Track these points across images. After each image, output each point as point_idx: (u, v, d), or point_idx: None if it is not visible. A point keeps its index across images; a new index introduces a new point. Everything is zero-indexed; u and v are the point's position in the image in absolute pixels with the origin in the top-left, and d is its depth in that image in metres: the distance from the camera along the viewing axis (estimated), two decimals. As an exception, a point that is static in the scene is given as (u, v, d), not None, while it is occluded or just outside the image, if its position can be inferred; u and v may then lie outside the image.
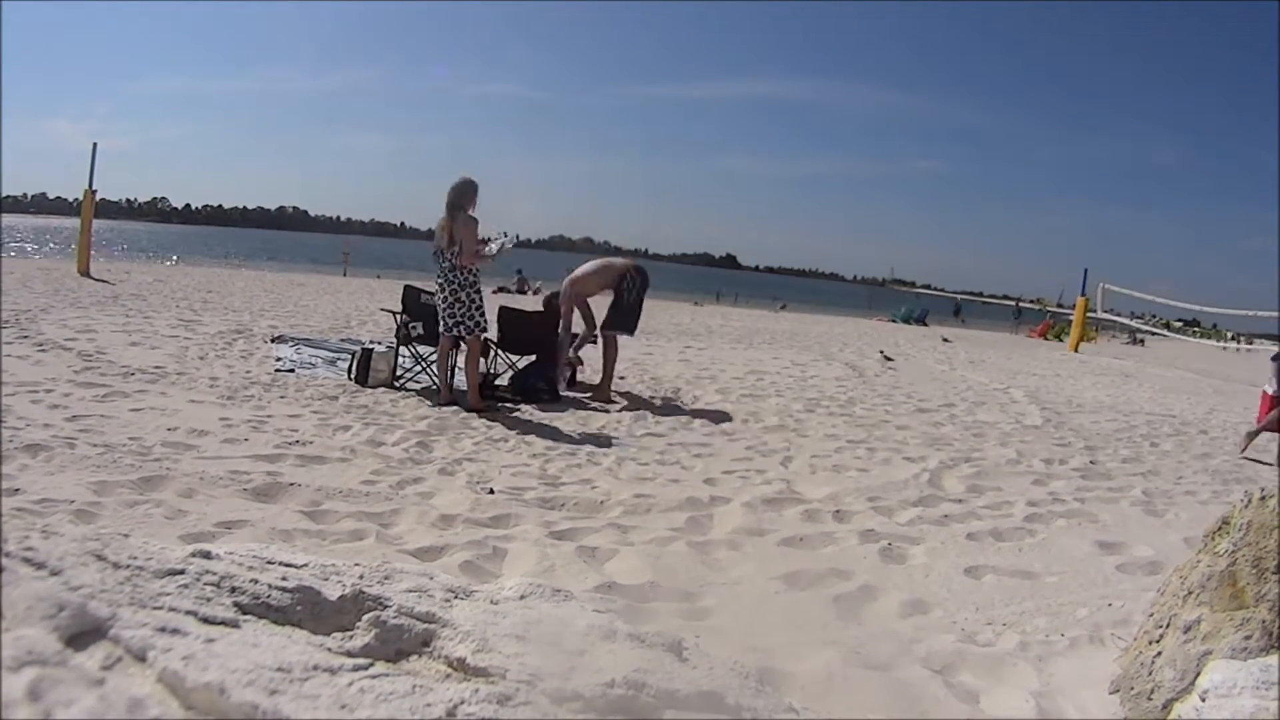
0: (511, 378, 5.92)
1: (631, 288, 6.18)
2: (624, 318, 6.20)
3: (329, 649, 1.12)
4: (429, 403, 5.26)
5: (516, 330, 6.13)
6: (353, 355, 5.92)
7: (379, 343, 6.50)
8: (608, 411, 5.50)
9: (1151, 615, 1.91)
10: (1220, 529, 1.84)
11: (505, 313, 6.24)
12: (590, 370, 6.66)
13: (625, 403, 5.87)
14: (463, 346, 5.46)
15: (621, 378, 7.02)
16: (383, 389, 5.56)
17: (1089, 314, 17.78)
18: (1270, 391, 6.15)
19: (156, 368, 5.62)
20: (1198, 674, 1.57)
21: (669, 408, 5.85)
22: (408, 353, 5.84)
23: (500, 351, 6.03)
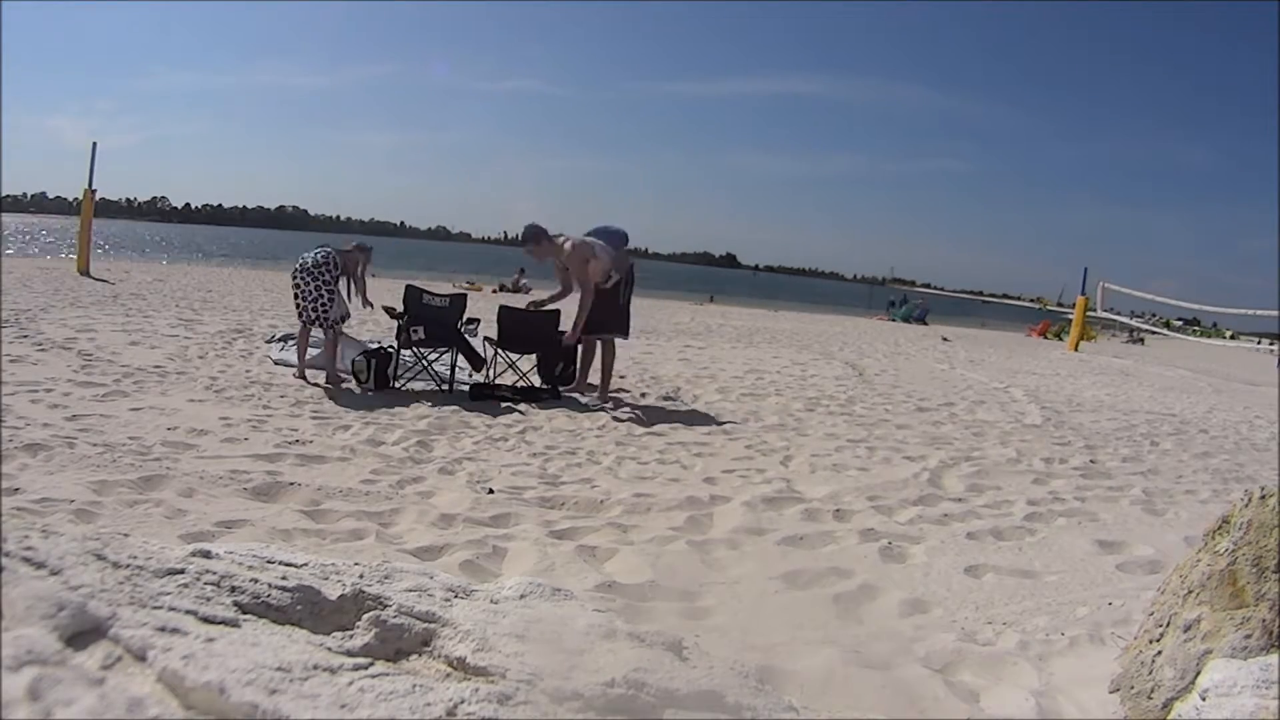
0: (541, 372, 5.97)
1: (627, 290, 6.07)
2: (620, 320, 6.04)
3: (329, 648, 1.12)
4: (429, 403, 5.26)
5: (517, 329, 6.13)
6: (354, 361, 5.78)
7: (378, 342, 6.47)
8: (609, 411, 5.50)
9: (1151, 614, 1.91)
10: (1220, 528, 1.83)
11: (505, 311, 6.24)
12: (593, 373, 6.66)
13: (625, 399, 5.87)
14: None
15: (622, 376, 7.01)
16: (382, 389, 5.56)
17: (1089, 313, 17.78)
18: None
19: (156, 367, 5.62)
20: (1198, 673, 1.57)
21: (669, 407, 5.85)
22: (409, 354, 5.82)
23: (500, 351, 6.02)
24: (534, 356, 6.13)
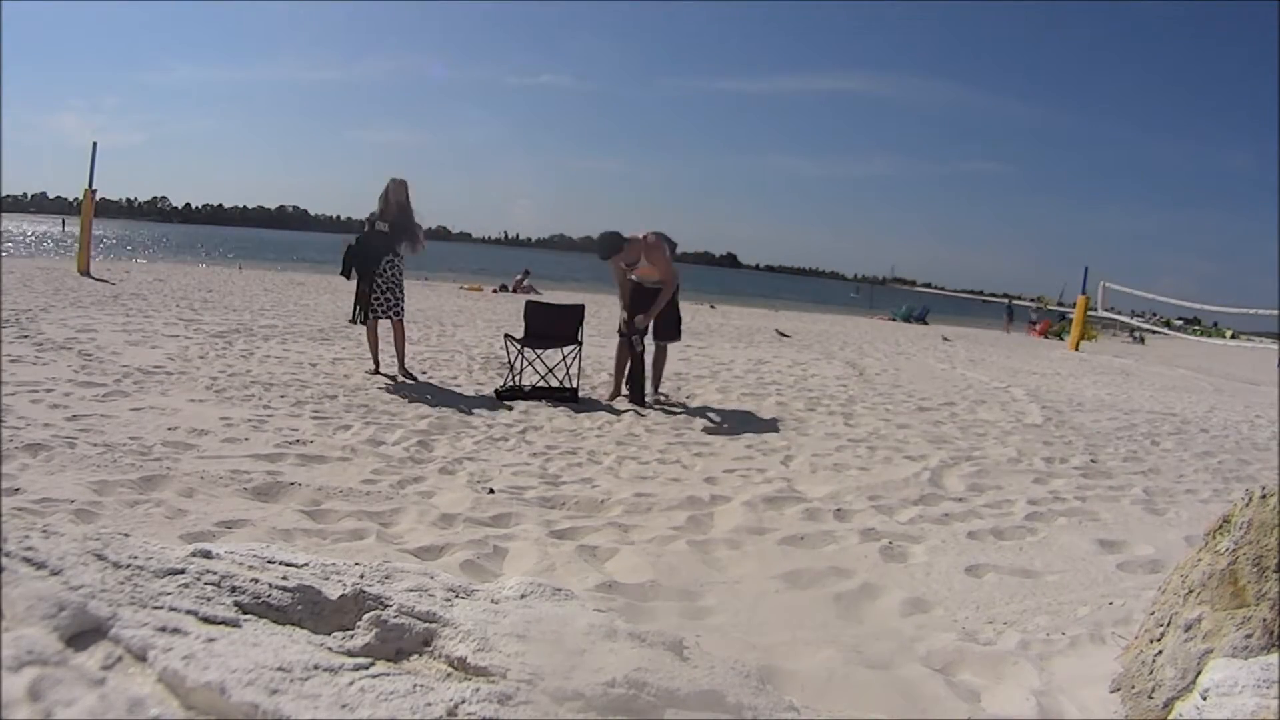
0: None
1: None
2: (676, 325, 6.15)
3: (329, 648, 1.12)
4: (429, 402, 5.26)
5: (540, 324, 6.17)
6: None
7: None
8: (613, 411, 5.50)
9: (1152, 614, 1.91)
10: (1221, 527, 1.83)
11: (531, 306, 6.31)
12: (607, 374, 6.66)
13: (627, 401, 5.87)
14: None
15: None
16: (382, 388, 5.56)
17: (1089, 312, 17.77)
18: None
19: (157, 367, 5.62)
20: (1199, 672, 1.57)
21: (669, 406, 5.84)
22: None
23: (523, 348, 6.02)
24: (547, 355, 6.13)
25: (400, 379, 5.99)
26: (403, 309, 6.23)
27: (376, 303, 6.10)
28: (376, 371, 6.12)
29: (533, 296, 15.98)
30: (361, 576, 1.37)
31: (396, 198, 6.11)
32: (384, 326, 6.27)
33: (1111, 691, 1.91)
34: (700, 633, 2.18)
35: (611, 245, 5.82)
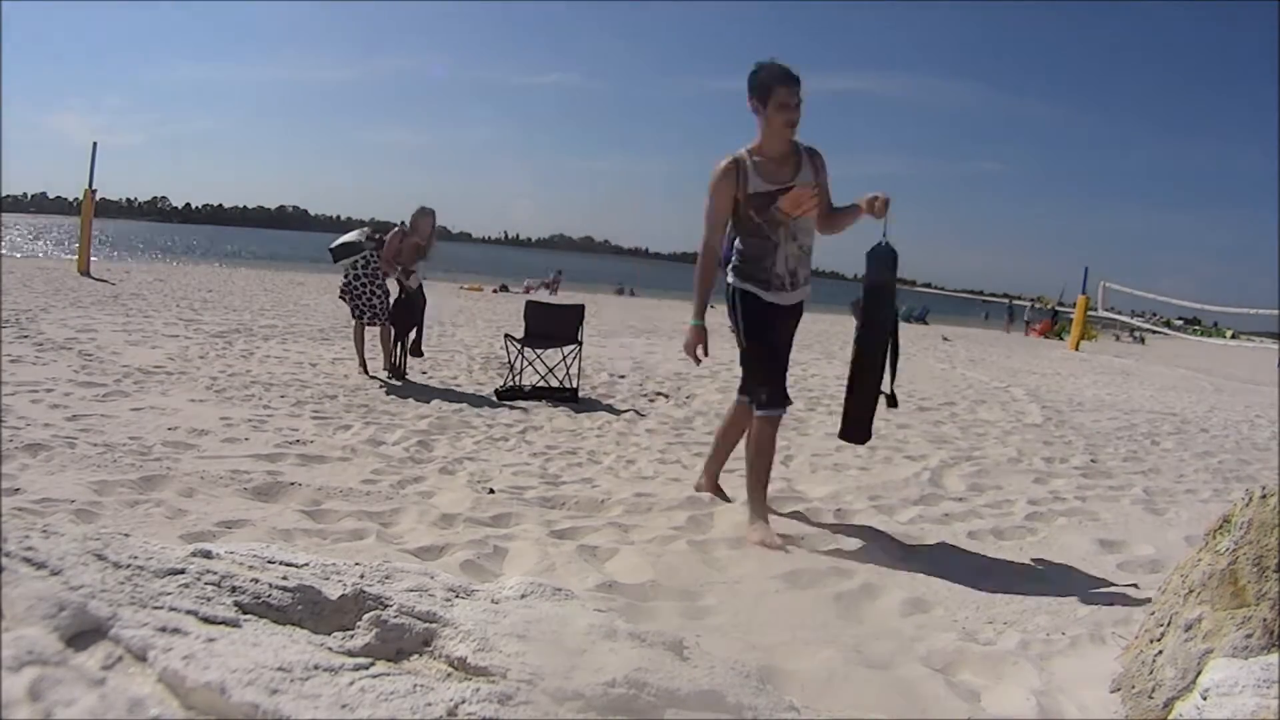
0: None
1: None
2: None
3: (330, 648, 1.12)
4: (429, 402, 5.26)
5: (540, 324, 6.18)
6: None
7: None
8: (613, 410, 5.50)
9: (1152, 614, 1.91)
10: (1221, 527, 1.83)
11: (531, 306, 6.34)
12: (608, 374, 6.64)
13: (624, 401, 5.86)
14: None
15: (622, 376, 7.01)
16: (381, 388, 5.57)
17: (1089, 312, 17.76)
18: None
19: (157, 367, 5.62)
20: (1199, 672, 1.57)
21: (669, 407, 5.84)
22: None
23: (523, 348, 6.03)
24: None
25: (388, 376, 6.04)
26: (390, 313, 6.35)
27: (365, 307, 6.27)
28: (364, 371, 6.16)
29: (543, 296, 15.89)
30: (361, 576, 1.37)
31: (421, 229, 6.34)
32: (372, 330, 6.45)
33: (1111, 691, 1.91)
34: (700, 633, 2.18)
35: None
